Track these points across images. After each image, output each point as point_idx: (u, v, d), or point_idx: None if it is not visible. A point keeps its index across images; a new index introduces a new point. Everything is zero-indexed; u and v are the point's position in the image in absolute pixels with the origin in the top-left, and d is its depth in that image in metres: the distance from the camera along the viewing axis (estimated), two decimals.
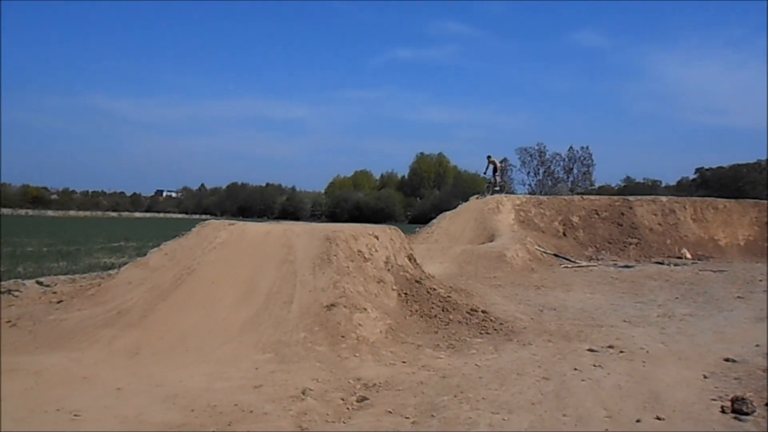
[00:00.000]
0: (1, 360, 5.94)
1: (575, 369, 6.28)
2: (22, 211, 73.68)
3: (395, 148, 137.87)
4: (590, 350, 7.14)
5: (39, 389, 5.28)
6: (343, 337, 6.97)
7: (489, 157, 24.66)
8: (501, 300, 10.78)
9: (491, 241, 19.65)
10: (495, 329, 8.10)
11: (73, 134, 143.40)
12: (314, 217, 75.59)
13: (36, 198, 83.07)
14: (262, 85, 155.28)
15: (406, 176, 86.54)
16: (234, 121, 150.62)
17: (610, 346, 7.32)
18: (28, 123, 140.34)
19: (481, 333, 7.91)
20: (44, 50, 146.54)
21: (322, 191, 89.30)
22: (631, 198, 25.22)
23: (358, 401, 5.21)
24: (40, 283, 10.30)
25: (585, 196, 26.60)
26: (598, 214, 23.31)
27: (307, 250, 8.64)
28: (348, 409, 5.01)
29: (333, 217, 71.46)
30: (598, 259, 19.93)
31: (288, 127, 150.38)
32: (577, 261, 18.95)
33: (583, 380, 5.87)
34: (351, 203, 77.53)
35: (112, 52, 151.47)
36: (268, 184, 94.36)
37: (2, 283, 10.15)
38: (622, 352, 7.09)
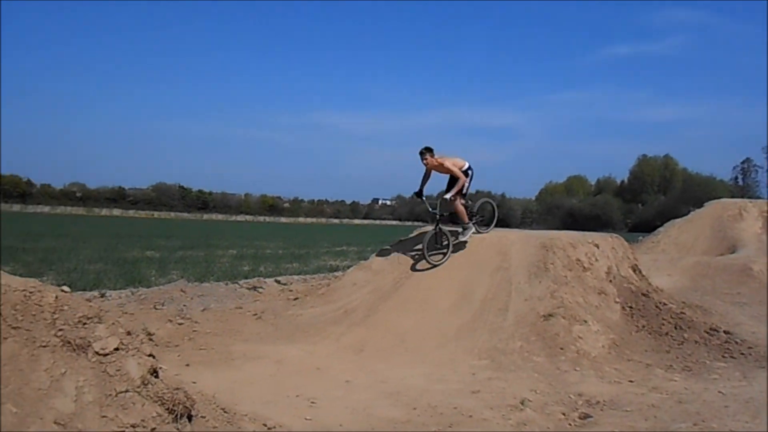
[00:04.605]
0: None
1: None
2: (261, 218, 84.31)
3: (613, 152, 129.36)
4: None
5: (280, 376, 5.91)
6: (562, 349, 6.68)
7: None
8: (748, 320, 9.38)
9: (732, 252, 17.31)
10: (742, 353, 7.06)
11: (301, 148, 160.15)
12: (524, 224, 74.01)
13: (272, 206, 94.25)
14: (471, 93, 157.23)
15: (626, 181, 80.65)
16: (445, 130, 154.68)
17: None
18: (268, 140, 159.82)
19: (724, 356, 6.97)
20: (277, 78, 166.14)
21: (533, 198, 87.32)
22: None
23: (580, 418, 4.93)
24: (278, 282, 11.61)
25: None
26: None
27: (522, 257, 8.46)
28: (570, 425, 4.77)
29: (544, 224, 69.24)
30: None
31: (497, 134, 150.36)
32: None
33: None
34: (563, 210, 74.57)
35: (333, 72, 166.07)
36: (477, 191, 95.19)
37: (249, 280, 11.64)
38: None
